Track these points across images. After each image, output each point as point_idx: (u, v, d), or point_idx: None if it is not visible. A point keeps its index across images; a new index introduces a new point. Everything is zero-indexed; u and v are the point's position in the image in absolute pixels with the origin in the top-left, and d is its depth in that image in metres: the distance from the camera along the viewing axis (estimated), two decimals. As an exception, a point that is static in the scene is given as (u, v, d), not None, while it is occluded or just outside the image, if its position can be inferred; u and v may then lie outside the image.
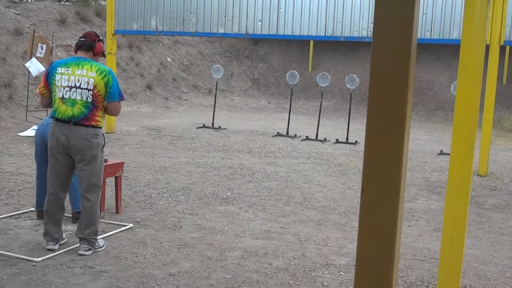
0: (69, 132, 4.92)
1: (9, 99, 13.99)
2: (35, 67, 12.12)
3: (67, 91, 4.93)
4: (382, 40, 1.98)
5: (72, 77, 4.93)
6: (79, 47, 5.08)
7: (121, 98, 5.10)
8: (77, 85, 4.93)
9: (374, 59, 2.01)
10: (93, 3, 20.85)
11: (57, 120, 4.97)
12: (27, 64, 12.37)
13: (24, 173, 8.05)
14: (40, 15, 18.06)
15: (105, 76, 4.96)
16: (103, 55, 5.27)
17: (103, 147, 5.14)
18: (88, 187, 5.01)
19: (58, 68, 4.99)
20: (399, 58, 1.97)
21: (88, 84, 4.92)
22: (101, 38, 5.19)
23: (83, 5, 20.03)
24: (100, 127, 5.06)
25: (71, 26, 18.46)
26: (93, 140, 4.96)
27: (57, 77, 4.96)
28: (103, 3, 20.62)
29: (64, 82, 4.94)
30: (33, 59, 12.28)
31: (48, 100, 5.12)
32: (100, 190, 5.14)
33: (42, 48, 12.73)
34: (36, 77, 12.81)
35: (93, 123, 4.97)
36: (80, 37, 5.12)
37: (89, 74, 4.93)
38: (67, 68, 4.97)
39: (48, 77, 5.04)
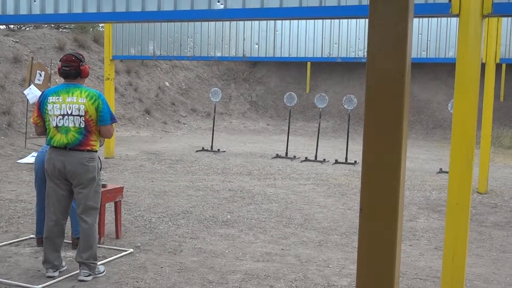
0: (64, 157, 4.93)
1: (8, 127, 14.02)
2: (33, 94, 12.15)
3: (60, 119, 4.95)
4: (376, 60, 2.00)
5: (63, 105, 4.94)
6: (65, 77, 5.07)
7: (113, 120, 5.10)
8: (69, 112, 4.93)
9: (369, 79, 2.02)
10: (91, 29, 21.00)
11: (53, 147, 4.99)
12: (25, 92, 12.40)
13: (23, 200, 8.03)
14: (38, 42, 18.17)
15: (95, 100, 4.97)
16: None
17: (100, 170, 5.14)
18: (85, 210, 5.00)
19: (49, 97, 5.00)
20: (394, 77, 1.98)
21: (79, 111, 4.93)
22: (82, 59, 5.13)
23: (81, 32, 20.17)
24: (96, 151, 5.06)
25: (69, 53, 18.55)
26: (89, 163, 4.96)
27: (49, 106, 4.98)
28: (101, 29, 20.76)
29: (56, 110, 4.95)
30: (32, 86, 12.32)
31: (42, 128, 5.12)
32: (97, 213, 5.13)
33: (40, 75, 12.79)
34: (34, 103, 12.83)
35: (88, 148, 4.98)
36: (63, 65, 5.04)
37: (79, 100, 4.94)
38: (57, 97, 4.98)
39: (41, 106, 5.05)
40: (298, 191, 9.51)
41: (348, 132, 13.84)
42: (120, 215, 6.41)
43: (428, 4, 4.74)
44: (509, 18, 10.05)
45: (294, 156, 13.60)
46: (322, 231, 6.97)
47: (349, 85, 22.54)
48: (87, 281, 4.96)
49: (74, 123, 4.93)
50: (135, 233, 6.57)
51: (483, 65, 6.40)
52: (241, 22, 11.87)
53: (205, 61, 22.63)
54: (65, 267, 5.26)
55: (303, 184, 10.15)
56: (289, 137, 14.64)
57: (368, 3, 2.04)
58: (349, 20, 11.24)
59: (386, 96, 1.99)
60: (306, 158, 13.39)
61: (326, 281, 5.16)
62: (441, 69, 21.37)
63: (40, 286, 4.79)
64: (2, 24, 16.24)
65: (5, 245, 5.98)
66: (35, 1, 6.16)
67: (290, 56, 12.00)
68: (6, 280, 4.92)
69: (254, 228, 7.01)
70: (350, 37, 11.51)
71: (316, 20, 11.42)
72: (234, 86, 24.07)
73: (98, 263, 5.17)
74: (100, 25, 19.89)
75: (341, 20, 11.28)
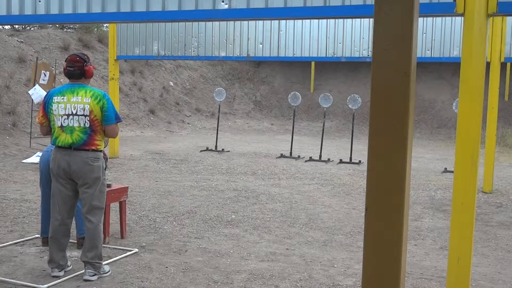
0: (69, 157, 4.94)
1: (13, 126, 14.05)
2: (38, 94, 12.18)
3: (65, 119, 4.96)
4: (382, 59, 2.00)
5: (68, 105, 4.96)
6: (69, 77, 5.09)
7: (118, 120, 5.11)
8: (74, 112, 4.95)
9: (374, 78, 2.02)
10: (96, 29, 21.02)
11: (58, 146, 5.01)
12: (30, 91, 12.43)
13: (28, 200, 8.05)
14: (43, 42, 18.21)
15: (100, 100, 4.98)
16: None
17: (105, 169, 5.15)
18: (90, 209, 5.02)
19: (54, 97, 5.02)
20: (400, 76, 1.98)
21: (84, 110, 4.95)
22: (87, 59, 5.16)
23: (86, 32, 20.19)
24: (101, 150, 5.08)
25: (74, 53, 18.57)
26: (94, 163, 4.98)
27: (54, 106, 5.00)
28: (105, 29, 20.78)
29: (61, 110, 4.97)
30: (37, 86, 12.34)
31: (47, 128, 5.15)
32: (102, 213, 5.15)
33: (45, 75, 12.81)
34: (39, 103, 12.86)
35: (93, 147, 4.99)
36: (67, 66, 5.07)
37: (84, 100, 4.96)
38: (62, 97, 5.00)
39: (46, 106, 5.07)
40: (302, 190, 9.50)
41: (352, 131, 13.82)
42: (125, 215, 6.42)
43: (433, 4, 4.73)
44: (514, 17, 10.02)
45: (299, 156, 13.59)
46: (327, 231, 6.97)
47: (353, 85, 22.51)
48: (92, 280, 4.96)
49: (79, 123, 4.94)
50: (140, 233, 6.58)
51: (487, 64, 6.39)
52: (246, 22, 11.86)
53: (209, 61, 22.63)
54: (70, 266, 5.27)
55: (307, 184, 10.14)
56: (294, 136, 14.63)
57: (373, 3, 2.04)
58: (353, 19, 11.23)
59: (391, 95, 1.99)
60: (310, 157, 13.38)
61: (331, 281, 5.16)
62: (445, 69, 21.32)
63: (46, 285, 4.80)
64: (7, 24, 16.28)
65: (10, 244, 5.99)
66: (40, 1, 6.18)
67: (294, 55, 11.99)
68: (11, 280, 4.94)
69: (259, 228, 7.01)
70: (354, 36, 11.50)
71: (320, 20, 11.41)
72: (238, 85, 24.07)
73: (103, 262, 5.18)
74: (105, 25, 19.91)
75: (345, 19, 11.27)
